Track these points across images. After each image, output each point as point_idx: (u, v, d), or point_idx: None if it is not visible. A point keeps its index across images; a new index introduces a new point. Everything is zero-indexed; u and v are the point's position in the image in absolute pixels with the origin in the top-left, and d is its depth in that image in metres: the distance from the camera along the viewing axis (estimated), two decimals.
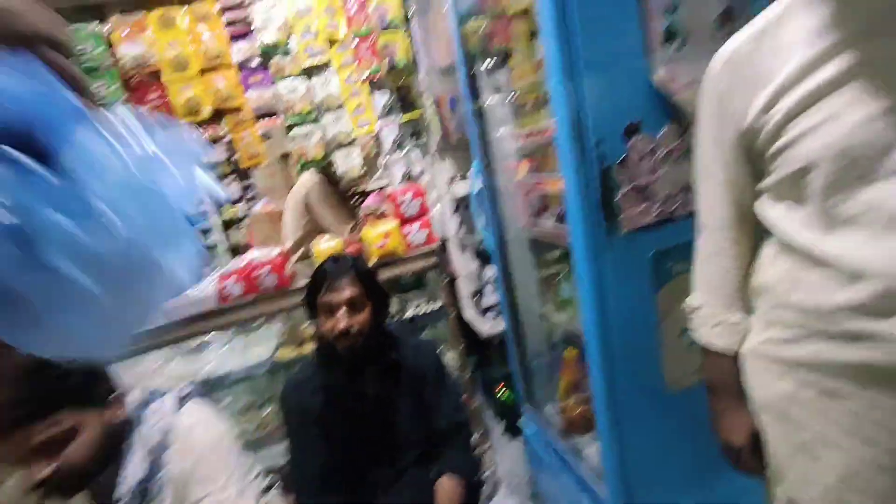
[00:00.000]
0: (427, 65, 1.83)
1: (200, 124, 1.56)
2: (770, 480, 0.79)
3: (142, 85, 1.55)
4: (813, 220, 0.63)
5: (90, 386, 0.96)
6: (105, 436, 0.96)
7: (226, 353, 1.77)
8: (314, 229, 2.32)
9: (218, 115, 1.58)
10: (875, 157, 0.55)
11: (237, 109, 1.60)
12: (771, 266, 0.72)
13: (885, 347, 0.57)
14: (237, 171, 5.01)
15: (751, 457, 0.80)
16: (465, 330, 2.25)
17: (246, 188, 4.99)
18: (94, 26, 1.52)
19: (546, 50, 1.01)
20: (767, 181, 0.69)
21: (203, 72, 1.56)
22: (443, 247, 1.82)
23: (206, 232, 5.03)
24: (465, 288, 2.27)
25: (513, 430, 2.28)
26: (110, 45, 1.52)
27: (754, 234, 0.76)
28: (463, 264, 2.21)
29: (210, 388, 1.68)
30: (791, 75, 0.61)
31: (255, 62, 1.57)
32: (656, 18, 1.01)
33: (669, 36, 1.03)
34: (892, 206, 0.55)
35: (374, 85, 1.72)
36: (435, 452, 1.20)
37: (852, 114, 0.56)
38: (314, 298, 1.14)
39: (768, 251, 0.73)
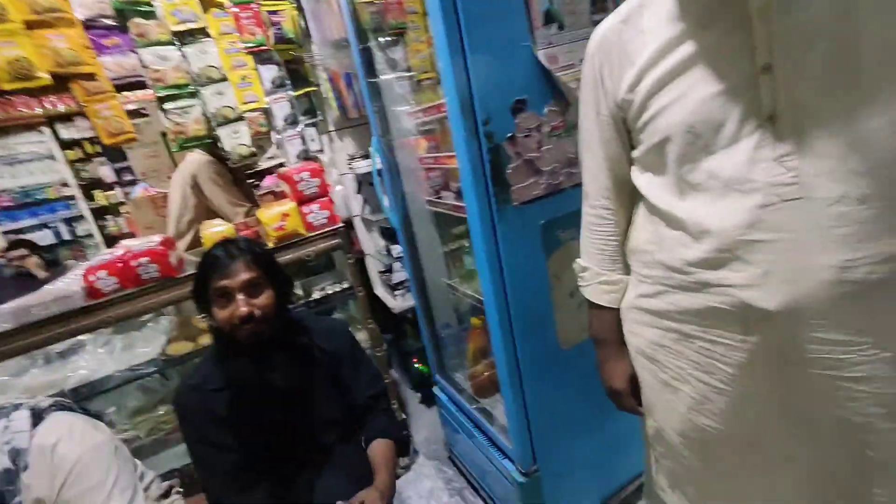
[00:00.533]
0: (319, 37, 1.72)
1: (39, 91, 1.30)
2: (644, 415, 0.92)
3: None
4: (671, 187, 0.72)
5: None
6: None
7: (103, 355, 1.57)
8: (203, 213, 2.12)
9: (62, 81, 1.34)
10: (713, 132, 0.65)
11: (89, 77, 1.37)
12: (642, 229, 0.82)
13: (720, 293, 0.69)
14: (107, 151, 4.43)
15: (630, 398, 0.92)
16: (378, 307, 2.26)
17: (120, 171, 4.43)
18: None
19: (434, 29, 1.01)
20: (636, 152, 0.77)
21: (30, 26, 1.29)
22: (348, 226, 1.78)
23: (73, 220, 4.40)
24: (373, 266, 2.25)
25: (428, 401, 2.36)
26: None
27: (630, 202, 0.85)
28: (370, 242, 2.19)
29: (86, 396, 1.50)
30: (650, 57, 0.68)
31: (106, 21, 1.34)
32: (537, 1, 1.06)
33: (549, 18, 1.09)
34: (725, 175, 0.65)
35: (261, 58, 1.59)
36: (359, 425, 1.21)
37: (695, 94, 0.65)
38: (205, 288, 1.06)
39: (640, 216, 0.83)
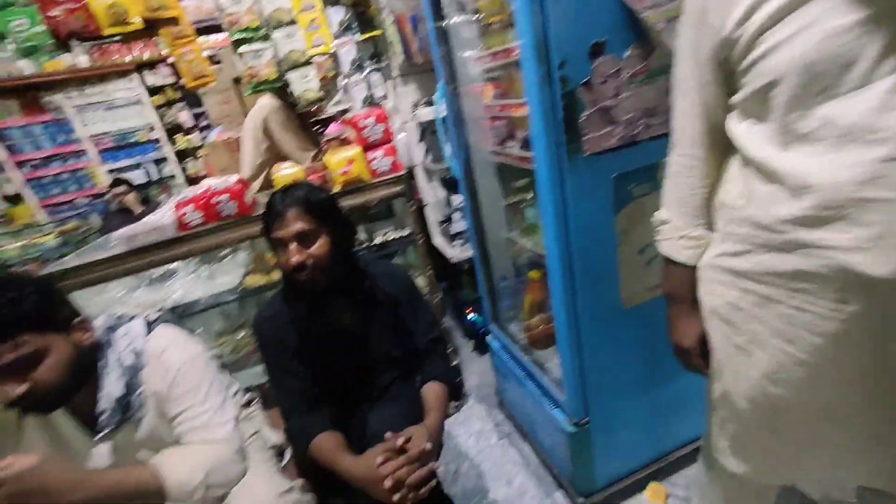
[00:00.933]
0: None
1: (132, 37, 1.38)
2: (711, 377, 0.89)
3: None
4: (772, 136, 0.66)
5: (48, 311, 0.97)
6: (75, 357, 0.99)
7: (192, 281, 1.76)
8: (274, 156, 2.22)
9: (151, 27, 1.41)
10: (838, 72, 0.57)
11: (173, 21, 1.43)
12: (732, 183, 0.76)
13: (816, 255, 0.63)
14: (186, 97, 4.69)
15: (698, 358, 0.89)
16: (434, 256, 2.31)
17: (198, 116, 4.70)
18: None
19: None
20: (736, 97, 0.70)
21: None
22: (410, 174, 1.79)
23: (160, 162, 4.78)
24: (433, 215, 2.28)
25: (480, 349, 2.44)
26: None
27: (722, 153, 0.78)
28: (430, 192, 2.21)
29: (180, 315, 1.69)
30: None
31: None
32: None
33: None
34: (845, 122, 0.57)
35: (329, 0, 1.57)
36: (416, 367, 1.28)
37: (821, 25, 0.56)
38: (269, 234, 1.12)
39: (732, 169, 0.76)
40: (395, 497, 0.96)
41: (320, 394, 1.19)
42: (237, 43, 1.55)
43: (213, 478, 1.00)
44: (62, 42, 1.41)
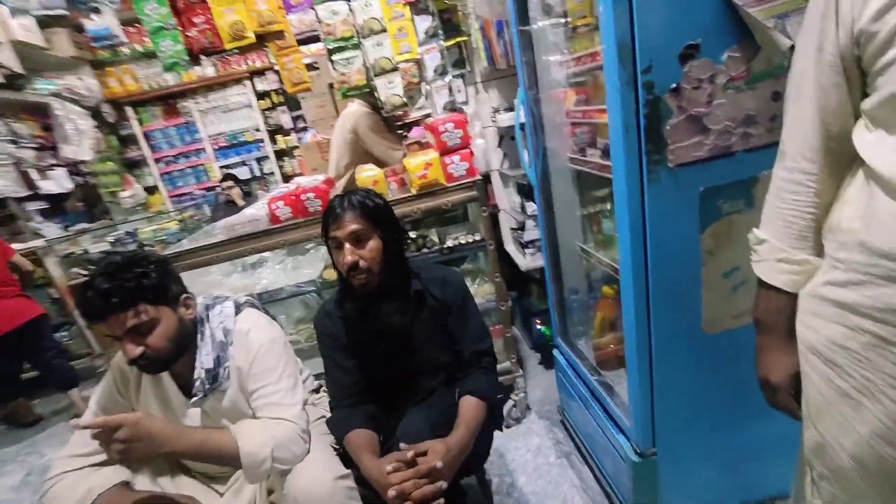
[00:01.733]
0: None
1: (246, 49, 1.56)
2: (805, 423, 0.78)
3: (189, 8, 1.56)
4: None
5: (164, 286, 1.13)
6: (179, 329, 1.15)
7: (278, 271, 1.91)
8: (358, 158, 2.35)
9: (261, 40, 1.58)
10: None
11: (279, 34, 1.59)
12: (849, 204, 0.66)
13: None
14: (287, 101, 5.13)
15: (788, 396, 0.79)
16: (505, 263, 2.28)
17: (296, 118, 5.13)
18: None
19: None
20: (868, 102, 0.61)
21: None
22: (486, 179, 1.79)
23: (262, 160, 5.28)
24: (506, 222, 2.26)
25: (547, 362, 2.36)
26: None
27: (840, 168, 0.68)
28: (505, 198, 2.19)
29: (266, 301, 1.85)
30: None
31: None
32: None
33: None
34: None
35: (417, 8, 1.63)
36: (461, 375, 1.27)
37: None
38: (326, 235, 1.18)
39: (852, 190, 0.66)
40: None
41: (366, 390, 1.23)
42: (332, 52, 1.67)
43: (279, 453, 1.10)
44: (195, 57, 1.64)
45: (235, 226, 1.79)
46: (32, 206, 3.96)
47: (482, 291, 1.94)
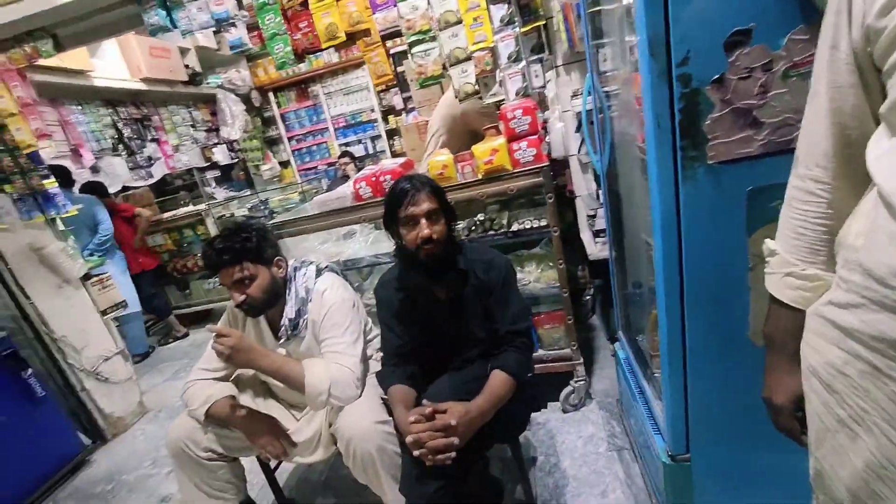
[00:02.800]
0: None
1: (339, 47, 1.76)
2: (809, 449, 0.73)
3: (295, 15, 1.82)
4: None
5: (262, 248, 1.44)
6: (272, 284, 1.45)
7: (363, 242, 2.16)
8: (453, 139, 2.48)
9: (351, 38, 1.77)
10: None
11: (366, 32, 1.75)
12: (857, 218, 0.60)
13: None
14: (399, 83, 5.44)
15: (792, 419, 0.75)
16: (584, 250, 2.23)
17: (406, 100, 5.42)
18: None
19: None
20: (884, 106, 0.55)
21: None
22: (551, 166, 1.79)
23: (375, 139, 5.73)
24: (583, 208, 2.21)
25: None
26: None
27: (858, 177, 0.61)
28: (583, 184, 2.14)
29: (349, 268, 2.12)
30: None
31: None
32: None
33: None
34: None
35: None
36: (495, 351, 1.35)
37: None
38: (394, 213, 1.29)
39: (866, 203, 0.59)
40: (416, 452, 1.10)
41: (412, 353, 1.38)
42: (412, 45, 1.79)
43: (335, 391, 1.35)
44: (298, 56, 1.91)
45: (328, 201, 2.06)
46: (209, 174, 5.06)
47: (546, 277, 1.96)
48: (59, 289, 2.49)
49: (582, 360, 1.98)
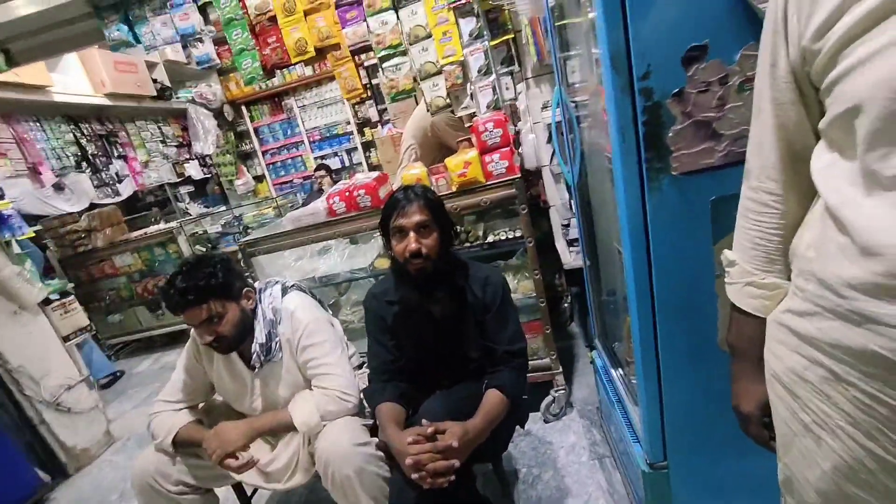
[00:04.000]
0: None
1: (311, 61, 1.75)
2: (777, 454, 0.75)
3: (264, 30, 1.80)
4: (854, 177, 0.52)
5: (229, 283, 1.36)
6: (242, 318, 1.39)
7: (337, 258, 2.13)
8: (427, 153, 2.48)
9: (320, 53, 1.76)
10: None
11: (336, 47, 1.74)
12: (808, 228, 0.62)
13: (887, 336, 0.49)
14: (374, 95, 5.44)
15: (759, 427, 0.76)
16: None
17: (382, 112, 5.43)
18: None
19: None
20: (823, 122, 0.57)
21: (307, 13, 1.73)
22: (524, 177, 1.80)
23: (351, 151, 5.70)
24: (557, 218, 2.24)
25: None
26: None
27: (807, 187, 0.63)
28: (556, 194, 2.16)
29: (325, 283, 2.08)
30: None
31: None
32: None
33: None
34: None
35: (461, 11, 1.66)
36: (491, 370, 1.33)
37: None
38: (387, 224, 1.27)
39: (815, 211, 0.61)
40: (414, 475, 1.06)
41: (402, 369, 1.35)
42: (383, 59, 1.80)
43: (328, 416, 1.34)
44: (267, 71, 1.89)
45: (302, 217, 2.03)
46: (183, 189, 4.96)
47: (523, 287, 1.97)
48: (14, 315, 2.37)
49: (561, 370, 1.98)
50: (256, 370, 1.43)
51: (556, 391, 2.00)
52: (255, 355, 1.41)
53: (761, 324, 0.71)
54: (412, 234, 1.23)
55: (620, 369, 1.57)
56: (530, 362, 1.99)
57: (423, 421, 1.16)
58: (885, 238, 0.47)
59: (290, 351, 1.44)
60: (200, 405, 1.57)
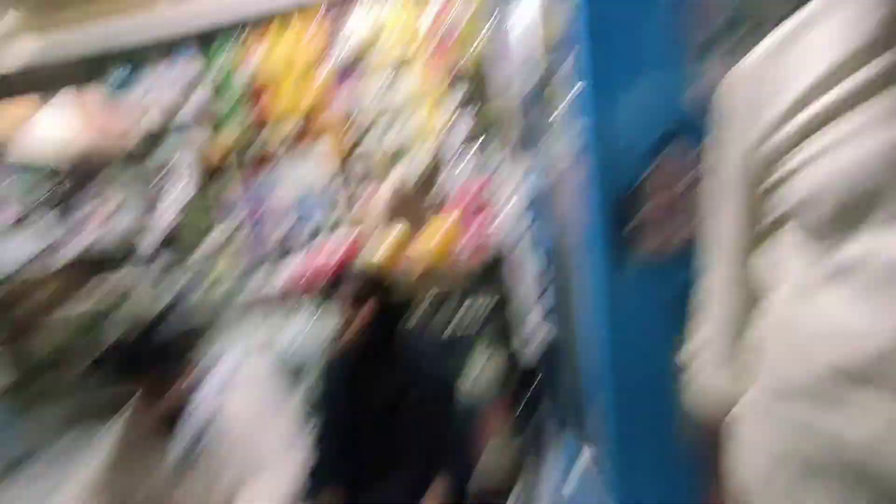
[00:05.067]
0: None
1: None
2: None
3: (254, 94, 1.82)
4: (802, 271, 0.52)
5: (167, 358, 1.17)
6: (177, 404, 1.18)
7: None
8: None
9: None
10: (869, 200, 0.43)
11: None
12: (759, 326, 0.61)
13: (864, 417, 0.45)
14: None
15: None
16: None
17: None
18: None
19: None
20: (761, 226, 0.59)
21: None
22: (495, 260, 1.79)
23: (332, 210, 5.65)
24: (529, 293, 2.20)
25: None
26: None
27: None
28: (529, 268, 2.15)
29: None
30: (803, 93, 0.49)
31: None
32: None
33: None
34: (881, 262, 0.43)
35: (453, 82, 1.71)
36: (437, 457, 1.23)
37: (875, 134, 0.43)
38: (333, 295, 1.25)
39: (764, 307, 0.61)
40: None
41: (342, 451, 1.24)
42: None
43: None
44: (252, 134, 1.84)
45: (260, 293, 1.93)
46: (149, 245, 4.57)
47: (489, 368, 1.89)
48: None
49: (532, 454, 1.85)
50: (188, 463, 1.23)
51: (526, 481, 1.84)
52: (175, 458, 1.19)
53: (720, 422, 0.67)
54: (347, 304, 1.21)
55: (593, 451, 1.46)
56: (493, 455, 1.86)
57: None
58: (846, 329, 0.45)
59: (215, 462, 1.20)
60: None
